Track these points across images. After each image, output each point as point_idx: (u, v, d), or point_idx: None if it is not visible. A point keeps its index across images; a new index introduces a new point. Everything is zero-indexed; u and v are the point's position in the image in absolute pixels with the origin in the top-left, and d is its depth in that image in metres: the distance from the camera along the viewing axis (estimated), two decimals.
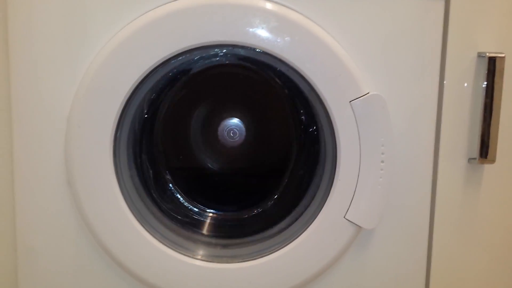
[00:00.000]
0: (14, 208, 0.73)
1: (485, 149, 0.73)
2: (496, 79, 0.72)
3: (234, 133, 0.89)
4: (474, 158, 0.74)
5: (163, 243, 0.72)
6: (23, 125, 0.70)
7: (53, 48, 0.69)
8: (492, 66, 0.72)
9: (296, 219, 0.78)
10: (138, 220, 0.71)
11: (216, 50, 0.74)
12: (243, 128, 0.90)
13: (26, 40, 0.68)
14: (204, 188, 0.93)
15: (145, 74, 0.67)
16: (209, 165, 0.94)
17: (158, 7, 0.67)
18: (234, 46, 0.69)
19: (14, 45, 0.69)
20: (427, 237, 0.76)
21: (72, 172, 0.69)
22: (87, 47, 0.68)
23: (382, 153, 0.69)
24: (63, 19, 0.68)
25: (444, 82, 0.73)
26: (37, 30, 0.68)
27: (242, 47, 0.69)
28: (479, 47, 0.73)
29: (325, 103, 0.68)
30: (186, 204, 0.90)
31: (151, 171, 0.87)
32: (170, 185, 0.90)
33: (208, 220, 0.89)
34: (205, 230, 0.87)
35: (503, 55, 0.71)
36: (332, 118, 0.68)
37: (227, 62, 0.82)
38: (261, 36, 0.66)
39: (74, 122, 0.68)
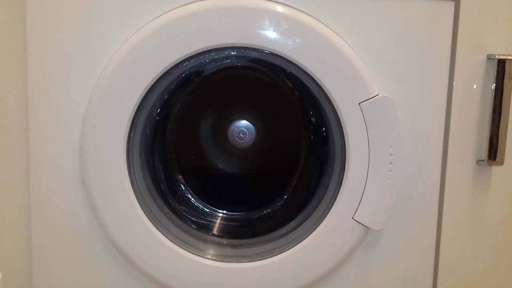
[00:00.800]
0: (29, 207, 0.74)
1: (493, 151, 0.73)
2: (505, 81, 0.72)
3: (244, 134, 0.90)
4: (483, 160, 0.74)
5: (174, 242, 0.72)
6: (39, 125, 0.71)
7: (69, 50, 0.70)
8: (502, 68, 0.72)
9: (305, 220, 0.78)
10: (150, 219, 0.72)
11: (227, 52, 0.74)
12: (253, 129, 0.90)
13: (43, 43, 0.70)
14: (215, 189, 0.94)
15: (158, 77, 0.68)
16: (220, 166, 0.94)
17: (171, 10, 0.68)
18: (245, 48, 0.70)
19: (31, 47, 0.70)
20: (435, 238, 0.76)
21: (86, 172, 0.70)
22: (102, 50, 0.69)
23: (391, 155, 0.69)
24: (79, 22, 0.69)
25: (453, 83, 0.73)
26: (54, 33, 0.69)
27: (253, 49, 0.69)
28: (488, 49, 0.73)
29: (335, 105, 0.69)
30: (197, 204, 0.90)
31: (163, 172, 0.88)
32: (182, 185, 0.91)
33: (218, 220, 0.89)
34: (215, 230, 0.87)
35: None
36: (341, 119, 0.69)
37: (238, 64, 0.82)
38: (272, 38, 0.67)
39: (89, 123, 0.69)
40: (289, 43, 0.67)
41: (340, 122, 0.69)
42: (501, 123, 0.73)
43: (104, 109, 0.68)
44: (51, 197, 0.73)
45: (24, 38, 0.71)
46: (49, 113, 0.71)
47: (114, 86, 0.68)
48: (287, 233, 0.79)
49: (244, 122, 0.90)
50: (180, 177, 0.91)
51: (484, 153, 0.74)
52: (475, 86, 0.73)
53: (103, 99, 0.68)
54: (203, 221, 0.88)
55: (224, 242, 0.82)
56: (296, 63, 0.68)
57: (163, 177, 0.87)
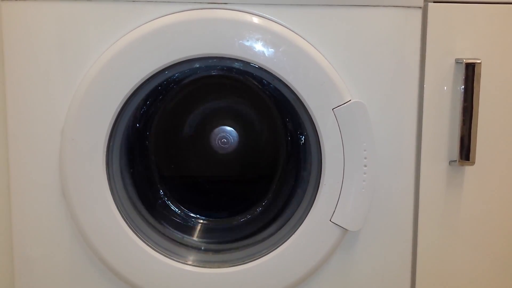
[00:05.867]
0: (10, 219, 0.74)
1: (465, 151, 0.75)
2: (475, 84, 0.73)
3: (224, 141, 0.90)
4: (455, 161, 0.76)
5: (156, 250, 0.73)
6: (19, 138, 0.71)
7: (47, 63, 0.70)
8: (470, 71, 0.73)
9: (285, 224, 0.79)
10: (131, 228, 0.72)
11: (204, 62, 0.75)
12: (233, 137, 0.91)
13: (21, 56, 0.70)
14: (196, 195, 0.94)
15: (135, 88, 0.69)
16: (200, 173, 0.95)
17: (148, 22, 0.69)
18: (221, 58, 0.71)
19: (9, 60, 0.70)
20: (411, 237, 0.77)
21: (67, 184, 0.70)
22: (80, 62, 0.70)
23: (365, 158, 0.71)
24: (57, 34, 0.69)
25: (424, 86, 0.75)
26: (32, 46, 0.70)
27: (229, 59, 0.70)
28: (456, 53, 0.75)
29: (310, 111, 0.70)
30: (178, 211, 0.90)
31: (143, 180, 0.88)
32: (162, 193, 0.91)
33: (199, 227, 0.90)
34: (196, 236, 0.87)
35: (479, 61, 0.73)
36: (316, 125, 0.70)
37: (216, 73, 0.83)
38: (247, 48, 0.68)
39: (68, 135, 0.69)
40: (264, 52, 0.68)
41: (316, 128, 0.71)
42: (471, 124, 0.74)
43: (82, 121, 0.69)
44: (32, 210, 0.73)
45: (1, 51, 0.71)
46: (28, 126, 0.71)
47: (92, 98, 0.69)
48: (267, 237, 0.80)
49: (223, 130, 0.91)
50: (160, 184, 0.91)
51: (456, 154, 0.75)
52: (445, 88, 0.75)
53: (81, 111, 0.69)
54: (185, 228, 0.88)
55: (206, 248, 0.83)
56: (271, 71, 0.69)
57: (143, 185, 0.87)
